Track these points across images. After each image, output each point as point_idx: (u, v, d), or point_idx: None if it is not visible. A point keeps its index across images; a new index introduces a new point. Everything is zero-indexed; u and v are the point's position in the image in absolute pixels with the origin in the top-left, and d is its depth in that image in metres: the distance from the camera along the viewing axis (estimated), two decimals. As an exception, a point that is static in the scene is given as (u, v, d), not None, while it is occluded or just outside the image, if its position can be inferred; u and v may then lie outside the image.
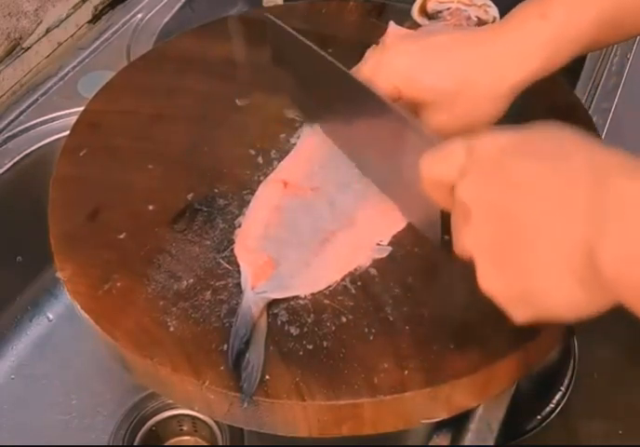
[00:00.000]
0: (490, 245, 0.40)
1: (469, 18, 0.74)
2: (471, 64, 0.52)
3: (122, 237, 0.58)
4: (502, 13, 0.75)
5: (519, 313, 0.41)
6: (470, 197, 0.40)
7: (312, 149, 0.63)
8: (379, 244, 0.57)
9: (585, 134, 0.40)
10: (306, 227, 0.57)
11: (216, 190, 0.61)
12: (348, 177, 0.60)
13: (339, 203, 0.58)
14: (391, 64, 0.54)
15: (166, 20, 0.92)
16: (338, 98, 0.59)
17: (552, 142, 0.40)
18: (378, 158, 0.57)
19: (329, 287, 0.54)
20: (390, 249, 0.56)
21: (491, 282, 0.41)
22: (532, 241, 0.38)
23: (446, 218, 0.46)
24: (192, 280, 0.55)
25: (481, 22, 0.74)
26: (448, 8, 0.75)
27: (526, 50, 0.51)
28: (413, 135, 0.50)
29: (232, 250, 0.57)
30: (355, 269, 0.55)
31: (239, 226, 0.58)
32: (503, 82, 0.52)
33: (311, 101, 0.64)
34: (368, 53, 0.58)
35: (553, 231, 0.37)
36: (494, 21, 0.75)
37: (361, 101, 0.55)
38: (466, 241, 0.41)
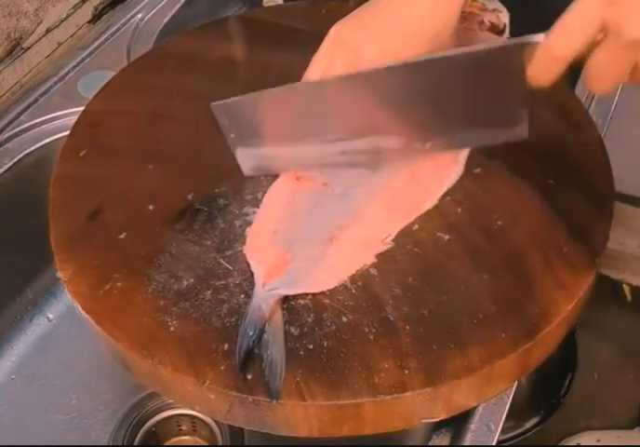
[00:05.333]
0: None
1: (482, 22, 0.74)
2: None
3: (122, 236, 0.58)
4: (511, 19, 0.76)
5: None
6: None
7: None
8: (383, 240, 0.57)
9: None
10: (316, 224, 0.57)
11: (216, 190, 0.61)
12: (358, 173, 0.60)
13: (348, 199, 0.58)
14: None
15: (166, 20, 0.92)
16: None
17: None
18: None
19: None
20: (392, 244, 0.56)
21: None
22: None
23: None
24: (192, 280, 0.55)
25: (493, 27, 0.74)
26: (462, 12, 0.74)
27: None
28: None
29: (232, 249, 0.57)
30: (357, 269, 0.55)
31: (243, 225, 0.58)
32: None
33: None
34: None
35: None
36: (504, 27, 0.75)
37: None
38: None
